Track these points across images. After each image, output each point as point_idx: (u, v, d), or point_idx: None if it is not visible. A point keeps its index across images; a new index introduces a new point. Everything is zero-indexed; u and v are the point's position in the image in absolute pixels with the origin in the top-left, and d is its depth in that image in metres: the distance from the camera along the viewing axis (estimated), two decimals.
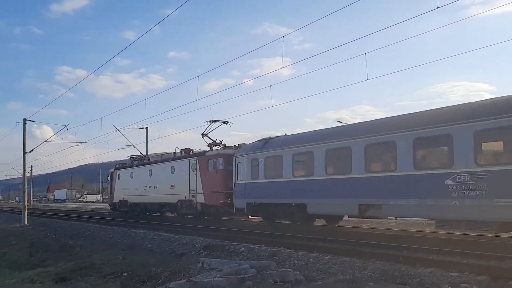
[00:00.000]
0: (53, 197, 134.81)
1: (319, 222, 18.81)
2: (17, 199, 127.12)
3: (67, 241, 19.22)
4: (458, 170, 11.44)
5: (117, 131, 35.33)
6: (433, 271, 8.07)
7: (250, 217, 21.50)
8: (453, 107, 12.99)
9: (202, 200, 22.78)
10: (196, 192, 23.22)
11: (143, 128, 37.67)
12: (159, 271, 10.19)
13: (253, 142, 20.63)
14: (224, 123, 24.28)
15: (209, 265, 10.17)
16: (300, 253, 11.02)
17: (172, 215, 27.40)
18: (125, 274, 10.88)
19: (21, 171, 35.30)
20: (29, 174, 57.75)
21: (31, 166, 64.19)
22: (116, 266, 12.09)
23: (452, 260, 8.87)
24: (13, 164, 73.55)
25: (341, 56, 24.68)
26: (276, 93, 21.81)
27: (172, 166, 26.15)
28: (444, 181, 11.72)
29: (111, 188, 35.41)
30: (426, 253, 9.79)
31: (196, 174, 23.32)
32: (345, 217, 18.67)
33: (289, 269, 8.35)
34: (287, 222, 18.45)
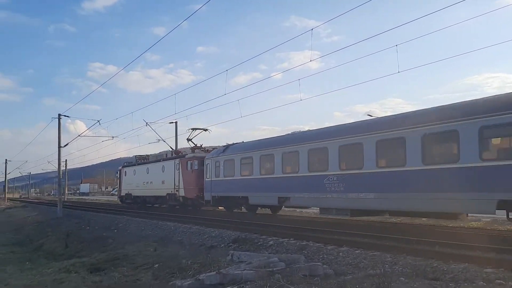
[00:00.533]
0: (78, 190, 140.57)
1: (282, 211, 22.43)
2: (52, 192, 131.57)
3: (100, 233, 19.75)
4: (330, 173, 16.53)
5: (148, 126, 35.97)
6: (467, 267, 7.89)
7: (219, 208, 26.58)
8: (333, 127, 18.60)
9: (183, 194, 27.81)
10: (179, 187, 28.37)
11: (172, 122, 38.14)
12: (189, 263, 10.35)
13: (218, 148, 25.81)
14: (204, 130, 29.58)
15: (238, 258, 10.26)
16: (329, 247, 10.97)
17: (164, 206, 31.75)
18: (157, 265, 11.10)
19: (57, 165, 36.40)
20: (64, 168, 59.61)
21: (66, 160, 66.31)
22: (148, 258, 12.37)
23: (486, 256, 8.65)
24: (49, 158, 76.09)
25: (371, 48, 24.24)
26: (304, 87, 21.73)
27: (163, 165, 31.19)
28: (323, 180, 16.72)
29: (119, 183, 41.06)
30: (459, 249, 9.58)
31: (179, 172, 28.37)
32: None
33: (319, 263, 8.32)
34: (241, 211, 23.70)
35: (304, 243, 11.88)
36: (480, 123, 11.72)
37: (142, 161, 36.53)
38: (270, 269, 7.66)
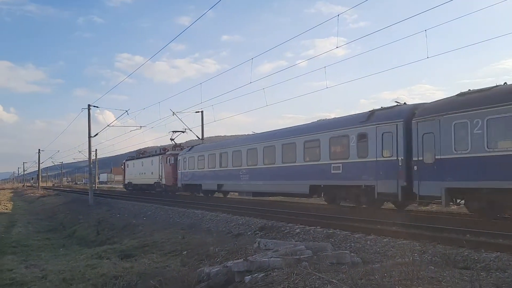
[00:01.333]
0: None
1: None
2: (84, 181, 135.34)
3: (130, 220, 20.18)
4: (242, 168, 24.46)
5: (174, 115, 36.47)
6: (499, 255, 7.71)
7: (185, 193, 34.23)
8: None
9: (165, 182, 37.24)
10: (162, 177, 37.71)
11: (198, 112, 38.44)
12: (217, 250, 10.48)
13: (187, 147, 35.07)
14: (182, 132, 38.48)
15: (265, 246, 10.32)
16: (356, 235, 10.91)
17: (153, 191, 40.14)
18: (185, 252, 11.30)
19: (87, 155, 37.30)
20: (94, 157, 61.10)
21: (96, 149, 67.97)
22: (176, 245, 12.60)
23: None
24: (79, 148, 78.20)
25: (399, 34, 23.67)
26: (330, 74, 21.50)
27: (152, 160, 40.63)
28: (239, 172, 24.83)
29: (124, 174, 51.12)
30: (491, 237, 9.36)
31: (161, 166, 37.73)
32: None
33: (346, 251, 8.28)
34: (202, 195, 30.39)
35: (331, 231, 11.85)
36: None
37: (139, 156, 46.82)
38: (297, 257, 7.66)
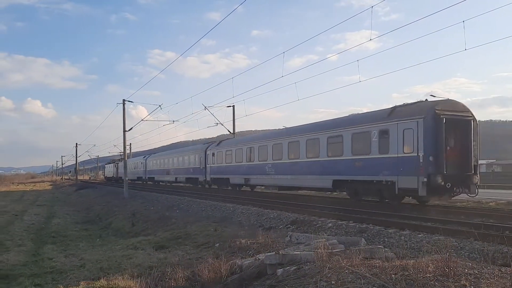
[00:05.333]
0: None
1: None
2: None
3: (163, 213, 20.60)
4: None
5: (206, 110, 36.79)
6: None
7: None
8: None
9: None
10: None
11: (230, 106, 38.65)
12: (248, 243, 10.56)
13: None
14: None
15: (296, 239, 10.31)
16: (390, 231, 10.74)
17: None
18: (217, 244, 11.44)
19: (122, 148, 38.19)
20: (129, 151, 62.53)
21: (130, 143, 69.49)
22: (209, 237, 12.77)
23: None
24: (115, 142, 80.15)
25: (434, 26, 22.95)
26: (362, 68, 21.09)
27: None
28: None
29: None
30: None
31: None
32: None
33: (380, 246, 8.16)
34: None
35: (364, 226, 11.71)
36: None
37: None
38: (329, 251, 7.63)
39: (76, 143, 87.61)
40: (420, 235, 9.88)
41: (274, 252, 7.98)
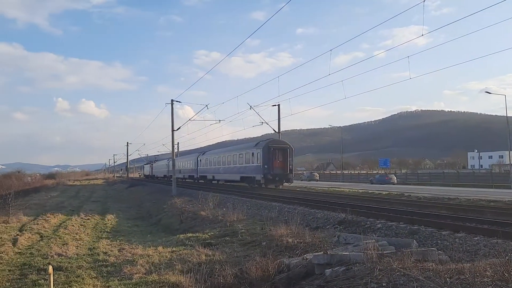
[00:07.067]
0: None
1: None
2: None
3: (210, 211, 20.86)
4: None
5: (251, 109, 37.07)
6: None
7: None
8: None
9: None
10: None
11: (275, 105, 38.64)
12: (296, 242, 10.52)
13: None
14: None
15: (345, 240, 10.17)
16: (443, 233, 10.34)
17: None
18: (264, 243, 11.48)
19: (170, 147, 39.24)
20: (177, 150, 64.08)
21: (178, 142, 71.21)
22: (255, 236, 12.85)
23: None
24: (163, 141, 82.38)
25: (487, 20, 21.79)
26: (411, 64, 20.43)
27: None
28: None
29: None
30: None
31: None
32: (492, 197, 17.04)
33: (433, 248, 7.89)
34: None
35: (415, 227, 11.35)
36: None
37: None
38: (380, 252, 7.46)
39: (127, 142, 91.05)
40: (476, 238, 9.45)
41: (322, 252, 7.91)
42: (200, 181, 49.35)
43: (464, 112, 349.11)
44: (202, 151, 54.04)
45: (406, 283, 5.86)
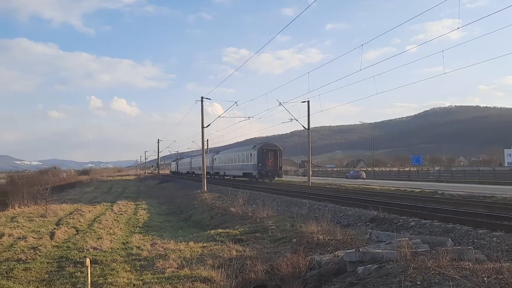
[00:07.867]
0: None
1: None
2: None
3: (240, 207, 20.97)
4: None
5: (281, 106, 37.04)
6: None
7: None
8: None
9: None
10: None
11: (304, 102, 38.39)
12: (327, 239, 10.45)
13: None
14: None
15: (377, 237, 10.03)
16: (480, 231, 10.05)
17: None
18: (295, 240, 11.45)
19: (200, 144, 39.58)
20: (206, 147, 64.70)
21: (207, 139, 71.94)
22: (285, 232, 12.83)
23: None
24: (193, 138, 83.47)
25: None
26: (445, 59, 19.84)
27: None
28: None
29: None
30: None
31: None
32: None
33: (470, 247, 7.67)
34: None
35: (450, 225, 11.07)
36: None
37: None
38: (414, 250, 7.32)
39: (158, 139, 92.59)
40: None
41: (354, 249, 7.83)
42: (215, 176, 56.58)
43: (500, 107, 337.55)
44: (217, 150, 65.76)
45: (441, 282, 5.73)
